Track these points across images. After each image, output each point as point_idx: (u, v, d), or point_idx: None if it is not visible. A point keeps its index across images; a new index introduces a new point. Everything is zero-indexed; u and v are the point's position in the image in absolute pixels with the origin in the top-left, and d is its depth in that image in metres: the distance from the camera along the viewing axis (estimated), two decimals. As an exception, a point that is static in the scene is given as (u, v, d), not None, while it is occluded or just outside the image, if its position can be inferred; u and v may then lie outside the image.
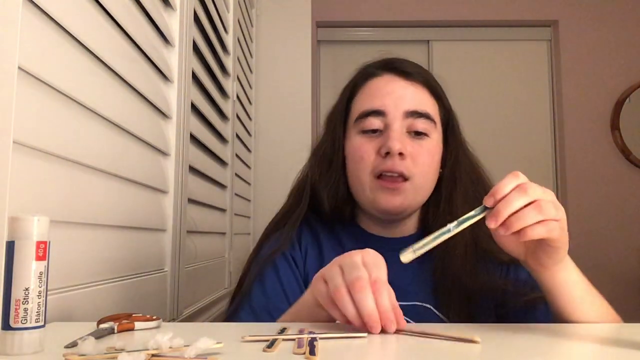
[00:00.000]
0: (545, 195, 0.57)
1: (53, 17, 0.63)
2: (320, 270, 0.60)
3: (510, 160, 2.71)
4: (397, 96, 0.80)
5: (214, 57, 1.54)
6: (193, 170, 1.27)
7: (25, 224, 0.44)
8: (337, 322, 0.58)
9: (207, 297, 1.43)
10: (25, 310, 0.43)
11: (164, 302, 1.04)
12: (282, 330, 0.54)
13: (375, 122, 0.80)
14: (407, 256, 0.58)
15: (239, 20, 1.93)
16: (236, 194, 1.86)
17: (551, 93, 2.94)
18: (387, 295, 0.54)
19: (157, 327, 0.58)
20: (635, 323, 0.63)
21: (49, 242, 0.45)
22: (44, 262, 0.45)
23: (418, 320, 0.76)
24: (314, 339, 0.49)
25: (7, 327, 0.43)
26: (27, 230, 0.44)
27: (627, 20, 2.86)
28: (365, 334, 0.53)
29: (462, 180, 0.83)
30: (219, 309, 1.51)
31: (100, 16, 0.78)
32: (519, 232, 0.57)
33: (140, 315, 0.59)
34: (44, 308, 0.44)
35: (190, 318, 1.21)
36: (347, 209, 0.86)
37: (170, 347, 0.44)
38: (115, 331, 0.55)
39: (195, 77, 1.27)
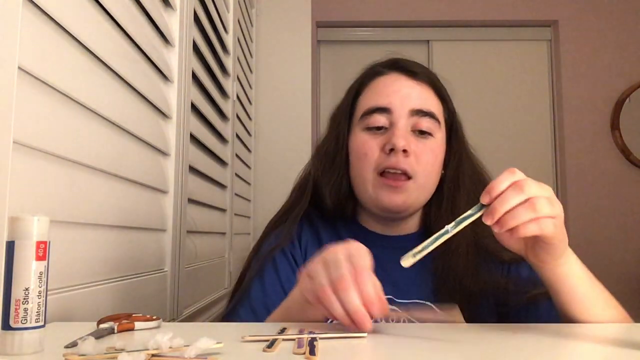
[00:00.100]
0: (542, 192, 0.57)
1: (53, 17, 0.63)
2: (306, 267, 0.60)
3: (510, 160, 2.70)
4: (404, 94, 0.81)
5: (214, 57, 1.54)
6: (193, 170, 1.27)
7: (25, 224, 0.44)
8: (332, 321, 0.58)
9: (207, 297, 1.43)
10: (25, 310, 0.43)
11: (164, 302, 1.04)
12: (282, 330, 0.54)
13: (380, 119, 0.80)
14: (407, 261, 0.58)
15: (239, 20, 1.93)
16: (236, 194, 1.86)
17: (551, 93, 2.94)
18: (371, 285, 0.54)
19: (157, 327, 0.58)
20: (636, 323, 0.63)
21: (49, 242, 0.45)
22: (44, 262, 0.45)
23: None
24: (314, 339, 0.49)
25: (7, 327, 0.43)
26: (27, 230, 0.44)
27: (627, 20, 2.86)
28: (365, 334, 0.53)
29: (465, 181, 0.83)
30: (219, 309, 1.50)
31: (100, 16, 0.78)
32: (512, 229, 0.57)
33: (140, 315, 0.59)
34: (44, 308, 0.44)
35: (190, 318, 1.21)
36: (348, 206, 0.86)
37: (170, 347, 0.44)
38: (115, 331, 0.55)
39: (195, 77, 1.27)
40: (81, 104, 0.70)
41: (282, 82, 2.39)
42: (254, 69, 2.35)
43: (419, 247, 0.58)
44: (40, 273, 0.44)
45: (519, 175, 0.58)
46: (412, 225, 0.86)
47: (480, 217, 0.58)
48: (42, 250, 0.44)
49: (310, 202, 0.87)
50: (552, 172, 2.88)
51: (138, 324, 0.57)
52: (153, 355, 0.42)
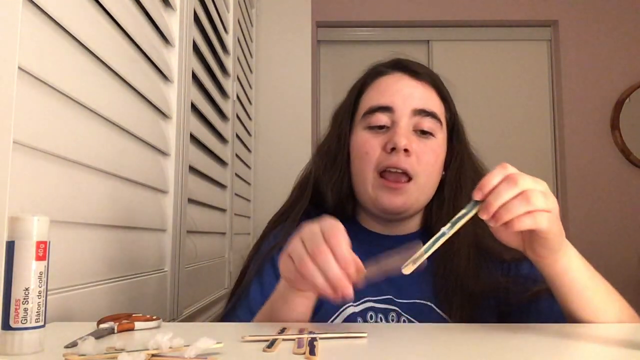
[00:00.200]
0: (536, 186, 0.57)
1: (53, 17, 0.63)
2: (284, 250, 0.61)
3: (510, 160, 2.66)
4: (406, 94, 0.81)
5: (214, 57, 1.54)
6: (193, 170, 1.27)
7: (25, 224, 0.44)
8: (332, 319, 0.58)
9: (207, 297, 1.43)
10: (25, 310, 0.43)
11: (164, 302, 1.04)
12: (282, 330, 0.54)
13: (382, 118, 0.80)
14: (408, 268, 0.58)
15: (239, 20, 1.93)
16: (236, 194, 1.86)
17: (551, 93, 2.94)
18: (345, 245, 0.56)
19: (157, 327, 0.59)
20: (637, 323, 0.63)
21: (49, 242, 0.45)
22: (44, 262, 0.45)
23: (419, 317, 0.76)
24: (314, 339, 0.49)
25: (7, 327, 0.43)
26: (27, 230, 0.44)
27: (627, 20, 2.86)
28: (365, 334, 0.53)
29: (466, 182, 0.83)
30: (219, 309, 1.50)
31: (100, 16, 0.78)
32: (507, 223, 0.57)
33: (140, 315, 0.59)
34: (44, 308, 0.44)
35: (190, 318, 1.21)
36: (348, 206, 0.86)
37: (170, 347, 0.44)
38: (115, 331, 0.55)
39: (195, 77, 1.27)
40: (81, 104, 0.70)
41: (282, 82, 2.39)
42: (254, 69, 2.35)
43: (418, 253, 0.58)
44: (40, 273, 0.44)
45: (511, 169, 0.58)
46: (412, 225, 0.86)
47: (477, 216, 0.58)
48: (42, 250, 0.44)
49: (310, 201, 0.87)
50: (552, 172, 2.88)
51: (138, 324, 0.57)
52: (153, 355, 0.42)
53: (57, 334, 0.52)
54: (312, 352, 0.44)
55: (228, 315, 0.80)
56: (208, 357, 0.42)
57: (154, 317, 0.59)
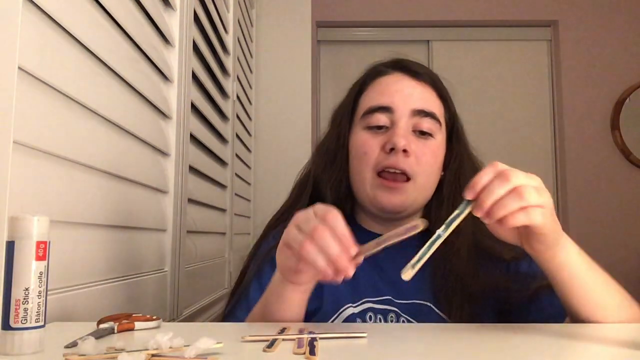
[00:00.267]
0: (529, 181, 0.57)
1: (53, 17, 0.63)
2: (281, 239, 0.61)
3: (510, 161, 2.66)
4: (406, 94, 0.81)
5: (214, 57, 1.54)
6: (193, 170, 1.27)
7: (25, 224, 0.44)
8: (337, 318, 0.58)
9: (207, 297, 1.43)
10: (25, 310, 0.43)
11: (164, 302, 1.04)
12: (282, 330, 0.54)
13: (381, 118, 0.80)
14: (408, 273, 0.58)
15: (239, 20, 1.93)
16: (236, 194, 1.86)
17: (551, 93, 2.94)
18: (342, 223, 0.56)
19: (157, 327, 0.59)
20: (636, 324, 0.63)
21: (49, 242, 0.45)
22: (44, 262, 0.45)
23: (418, 318, 0.76)
24: (314, 339, 0.49)
25: (7, 327, 0.43)
26: (27, 230, 0.44)
27: (627, 21, 2.86)
28: (365, 334, 0.53)
29: (465, 183, 0.82)
30: (219, 309, 1.50)
31: (100, 16, 0.78)
32: (501, 220, 0.57)
33: (140, 315, 0.59)
34: (44, 308, 0.44)
35: (190, 318, 1.21)
36: (347, 206, 0.86)
37: (170, 347, 0.44)
38: (115, 331, 0.55)
39: (195, 77, 1.27)
40: (81, 104, 0.70)
41: (282, 82, 2.39)
42: (254, 69, 2.35)
43: (416, 257, 0.58)
44: (40, 273, 0.44)
45: (502, 166, 0.58)
46: None
47: (473, 216, 0.58)
48: (42, 250, 0.44)
49: (310, 201, 0.87)
50: (552, 172, 2.88)
51: (138, 324, 0.57)
52: (153, 355, 0.42)
53: (57, 334, 0.52)
54: (312, 352, 0.44)
55: (228, 316, 0.80)
56: (208, 357, 0.42)
57: (154, 317, 0.59)
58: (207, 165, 1.42)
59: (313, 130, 2.41)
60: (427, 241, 0.58)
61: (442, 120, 0.83)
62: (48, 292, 0.46)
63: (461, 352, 0.49)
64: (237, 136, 1.89)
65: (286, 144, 2.32)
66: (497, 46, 2.96)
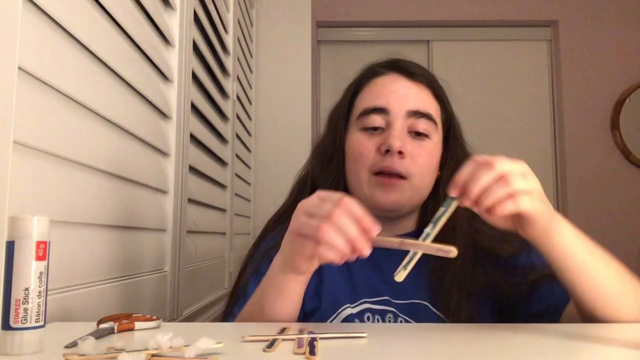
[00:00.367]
0: (514, 167, 0.57)
1: (53, 17, 0.63)
2: (288, 232, 0.62)
3: (510, 160, 2.70)
4: (401, 95, 0.81)
5: (214, 57, 1.54)
6: (193, 170, 1.27)
7: (25, 224, 0.44)
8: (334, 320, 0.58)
9: (207, 297, 1.43)
10: (25, 310, 0.43)
11: (164, 302, 1.04)
12: (282, 330, 0.54)
13: (377, 120, 0.80)
14: (400, 275, 0.58)
15: (239, 20, 1.93)
16: (236, 194, 1.86)
17: (551, 93, 2.94)
18: (357, 204, 0.57)
19: (157, 327, 0.59)
20: (636, 323, 0.63)
21: (49, 242, 0.45)
22: (44, 262, 0.45)
23: (416, 318, 0.76)
24: (314, 339, 0.49)
25: (7, 327, 0.43)
26: (27, 230, 0.44)
27: (627, 21, 2.86)
28: (365, 334, 0.53)
29: None
30: (219, 309, 1.50)
31: (100, 16, 0.78)
32: (490, 210, 0.57)
33: (140, 315, 0.59)
34: (44, 308, 0.44)
35: (190, 318, 1.21)
36: None
37: (170, 347, 0.44)
38: (115, 331, 0.55)
39: (195, 77, 1.27)
40: (81, 104, 0.70)
41: (282, 82, 2.39)
42: (254, 69, 2.35)
43: (407, 258, 0.58)
44: (40, 273, 0.44)
45: (483, 157, 0.58)
46: (408, 224, 0.86)
47: (470, 216, 0.58)
48: (42, 250, 0.44)
49: None
50: (552, 172, 2.88)
51: (138, 324, 0.57)
52: (153, 355, 0.42)
53: (57, 334, 0.52)
54: (312, 352, 0.44)
55: (227, 316, 0.80)
56: (208, 357, 0.42)
57: (154, 317, 0.59)
58: (207, 165, 1.42)
59: (313, 130, 2.41)
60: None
61: (438, 120, 0.83)
62: (48, 292, 0.46)
63: (461, 352, 0.49)
64: (237, 136, 1.89)
65: (286, 144, 2.32)
66: (497, 46, 2.96)
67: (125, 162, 0.85)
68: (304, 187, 0.88)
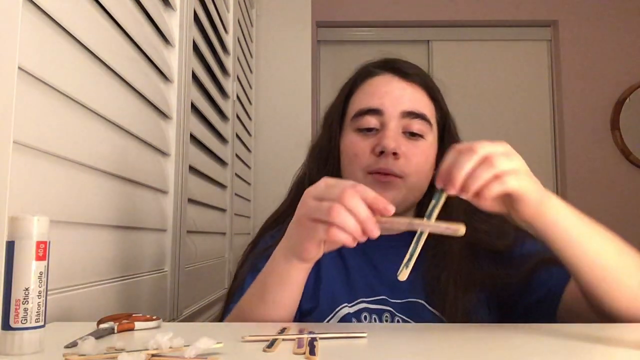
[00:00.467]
0: (496, 149, 0.57)
1: (53, 17, 0.63)
2: (295, 219, 0.62)
3: (510, 160, 2.70)
4: (395, 96, 0.81)
5: (214, 57, 1.54)
6: (193, 170, 1.27)
7: (25, 224, 0.44)
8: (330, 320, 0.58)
9: (207, 297, 1.43)
10: (25, 310, 0.43)
11: (164, 302, 1.04)
12: (282, 330, 0.54)
13: (371, 121, 0.80)
14: (403, 274, 0.59)
15: (239, 20, 1.93)
16: (236, 194, 1.86)
17: (551, 93, 2.94)
18: (369, 189, 0.57)
19: (157, 327, 0.59)
20: (636, 323, 0.63)
21: (49, 242, 0.45)
22: (44, 262, 0.45)
23: (412, 316, 0.76)
24: (314, 339, 0.49)
25: (7, 327, 0.43)
26: (27, 230, 0.44)
27: (627, 20, 2.86)
28: (365, 334, 0.53)
29: None
30: (219, 309, 1.50)
31: (100, 16, 0.78)
32: (478, 195, 0.57)
33: (140, 315, 0.59)
34: (44, 308, 0.44)
35: (190, 318, 1.21)
36: None
37: (170, 347, 0.44)
38: (115, 331, 0.55)
39: (195, 77, 1.27)
40: (81, 104, 0.70)
41: (282, 82, 2.39)
42: (254, 69, 2.35)
43: (407, 256, 0.58)
44: (40, 273, 0.44)
45: (463, 144, 0.58)
46: None
47: (465, 213, 0.58)
48: (42, 250, 0.44)
49: None
50: (552, 172, 2.88)
51: (138, 324, 0.57)
52: (153, 355, 0.42)
53: (57, 334, 0.52)
54: (312, 352, 0.44)
55: (225, 313, 0.80)
56: (208, 357, 0.42)
57: (154, 317, 0.59)
58: (207, 165, 1.42)
59: (313, 130, 2.41)
60: (413, 238, 0.59)
61: (433, 120, 0.83)
62: (48, 292, 0.46)
63: (462, 353, 0.49)
64: (237, 136, 1.89)
65: (286, 144, 2.32)
66: (497, 46, 2.96)
67: (125, 162, 0.85)
68: (302, 187, 0.88)
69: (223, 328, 0.65)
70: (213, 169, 1.50)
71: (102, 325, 0.55)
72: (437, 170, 0.84)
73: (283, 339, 0.50)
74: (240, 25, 1.96)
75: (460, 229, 0.57)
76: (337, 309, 0.77)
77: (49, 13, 0.62)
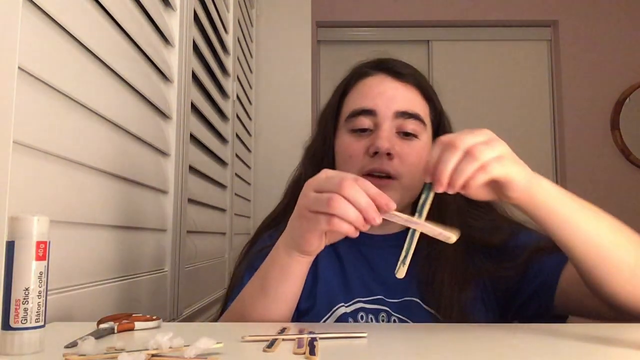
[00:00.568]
0: (476, 139, 0.57)
1: (53, 17, 0.63)
2: (296, 211, 0.62)
3: (510, 160, 2.70)
4: (389, 96, 0.80)
5: (214, 57, 1.54)
6: (193, 170, 1.27)
7: (25, 224, 0.44)
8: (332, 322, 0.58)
9: (207, 297, 1.43)
10: (25, 310, 0.43)
11: (164, 302, 1.04)
12: (282, 330, 0.54)
13: (365, 122, 0.80)
14: (401, 271, 0.59)
15: (239, 20, 1.93)
16: (236, 194, 1.86)
17: (551, 93, 2.94)
18: (371, 185, 0.58)
19: (157, 327, 0.59)
20: (636, 323, 0.63)
21: (49, 242, 0.45)
22: (44, 262, 0.45)
23: (408, 315, 0.76)
24: (314, 339, 0.49)
25: (7, 327, 0.43)
26: (27, 230, 0.44)
27: (627, 20, 2.86)
28: (365, 334, 0.53)
29: None
30: (219, 308, 1.50)
31: (100, 16, 0.78)
32: (464, 186, 0.57)
33: (140, 315, 0.59)
34: (44, 308, 0.44)
35: (190, 318, 1.21)
36: None
37: (170, 347, 0.44)
38: (115, 331, 0.55)
39: (195, 77, 1.27)
40: (81, 104, 0.70)
41: (282, 82, 2.39)
42: (254, 69, 2.35)
43: (403, 254, 0.59)
44: (40, 273, 0.44)
45: (446, 137, 0.58)
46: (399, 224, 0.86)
47: (458, 210, 0.58)
48: (42, 250, 0.44)
49: None
50: (552, 172, 2.88)
51: (138, 324, 0.57)
52: (153, 355, 0.42)
53: (57, 334, 0.52)
54: (312, 352, 0.44)
55: (223, 312, 0.80)
56: (208, 357, 0.42)
57: (154, 317, 0.59)
58: (207, 165, 1.42)
59: (313, 130, 2.41)
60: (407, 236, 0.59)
61: (427, 120, 0.83)
62: (48, 292, 0.46)
63: (461, 352, 0.49)
64: (237, 136, 1.89)
65: (286, 143, 2.32)
66: (497, 46, 2.96)
67: (125, 162, 0.85)
68: (298, 188, 0.88)
69: (223, 328, 0.65)
70: (213, 169, 1.50)
71: (102, 325, 0.55)
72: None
73: (283, 339, 0.50)
74: (240, 25, 1.96)
75: (452, 237, 0.57)
76: (334, 309, 0.77)
77: (49, 13, 0.62)
